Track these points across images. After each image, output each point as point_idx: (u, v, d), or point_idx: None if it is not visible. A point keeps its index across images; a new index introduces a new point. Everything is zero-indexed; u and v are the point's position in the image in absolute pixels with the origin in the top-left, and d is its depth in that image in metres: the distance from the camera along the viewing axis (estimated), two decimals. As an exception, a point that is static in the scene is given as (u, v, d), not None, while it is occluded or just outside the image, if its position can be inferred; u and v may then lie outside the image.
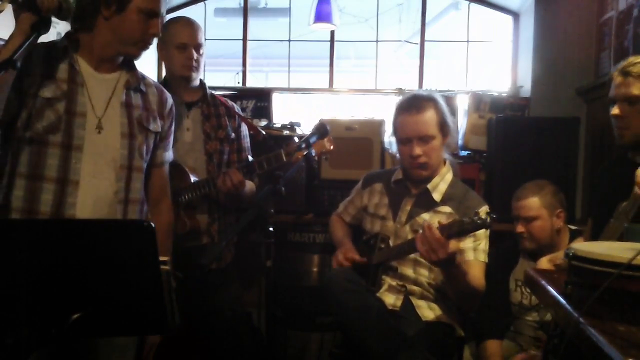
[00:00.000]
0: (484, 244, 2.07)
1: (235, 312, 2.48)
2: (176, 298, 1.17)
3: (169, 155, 1.90)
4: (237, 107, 2.55)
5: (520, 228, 2.29)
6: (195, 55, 2.32)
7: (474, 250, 2.05)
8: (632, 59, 1.81)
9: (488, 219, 1.75)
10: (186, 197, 2.22)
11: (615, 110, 1.81)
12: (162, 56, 2.42)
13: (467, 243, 2.03)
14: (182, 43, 2.31)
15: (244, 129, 2.50)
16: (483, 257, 2.07)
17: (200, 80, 2.44)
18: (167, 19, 2.42)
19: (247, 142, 2.50)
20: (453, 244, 1.83)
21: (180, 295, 1.71)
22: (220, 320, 2.40)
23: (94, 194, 1.63)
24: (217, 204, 2.35)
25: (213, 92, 2.50)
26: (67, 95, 1.62)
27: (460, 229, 1.80)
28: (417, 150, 2.09)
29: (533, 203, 2.28)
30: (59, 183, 1.60)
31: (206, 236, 2.32)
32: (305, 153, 2.07)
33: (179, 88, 2.35)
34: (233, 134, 2.43)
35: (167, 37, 2.35)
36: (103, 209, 1.64)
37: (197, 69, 2.35)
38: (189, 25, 2.37)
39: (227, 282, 2.43)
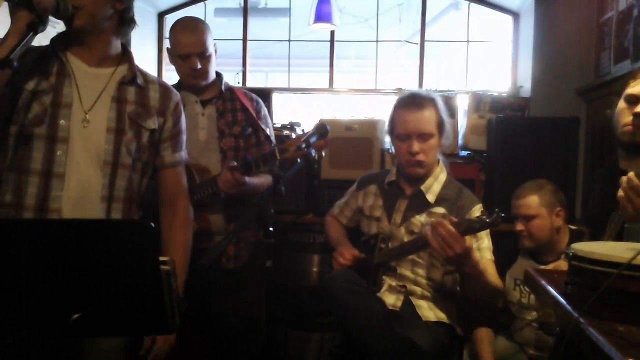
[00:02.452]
0: (487, 242, 2.07)
1: (244, 318, 2.36)
2: (177, 298, 1.17)
3: (181, 155, 1.82)
4: (257, 102, 2.42)
5: (519, 226, 2.29)
6: (198, 63, 2.22)
7: (479, 250, 2.05)
8: None
9: (496, 217, 1.76)
10: (196, 197, 2.15)
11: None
12: (170, 60, 2.34)
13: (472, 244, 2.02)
14: (183, 54, 2.22)
15: (265, 119, 2.38)
16: (489, 255, 2.07)
17: (217, 73, 2.36)
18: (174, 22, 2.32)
19: (264, 134, 2.33)
20: (468, 239, 1.83)
21: (188, 294, 1.69)
22: (228, 323, 2.33)
23: (78, 188, 1.60)
24: (232, 202, 2.24)
25: (231, 86, 2.42)
26: (54, 88, 1.61)
27: (467, 227, 1.80)
28: (416, 147, 2.08)
29: (532, 201, 2.28)
30: (43, 176, 1.58)
31: (221, 237, 2.21)
32: (305, 153, 2.06)
33: (192, 88, 2.31)
34: (250, 129, 2.34)
35: (171, 44, 2.28)
36: (86, 204, 1.61)
37: (203, 75, 2.26)
38: (189, 32, 2.23)
39: (241, 285, 2.33)
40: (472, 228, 1.82)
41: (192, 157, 2.17)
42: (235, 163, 2.11)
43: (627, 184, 1.40)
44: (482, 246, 2.06)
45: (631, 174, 1.41)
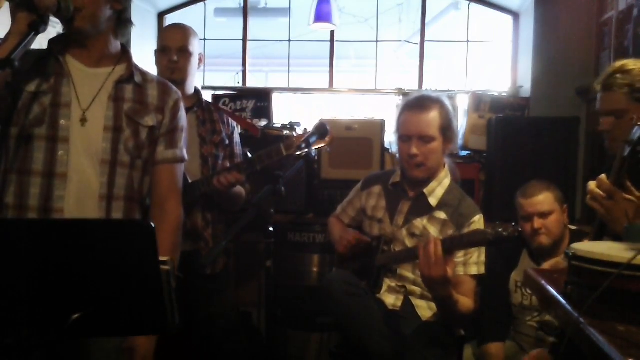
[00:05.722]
0: (475, 257, 2.05)
1: (230, 317, 2.46)
2: (176, 299, 1.17)
3: (175, 152, 1.77)
4: (228, 118, 2.54)
5: (537, 223, 2.24)
6: (175, 57, 2.28)
7: (464, 265, 2.04)
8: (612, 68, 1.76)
9: (514, 232, 1.75)
10: (188, 197, 2.16)
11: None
12: (155, 62, 2.41)
13: (457, 257, 2.00)
14: (162, 45, 2.32)
15: (237, 136, 2.51)
16: (475, 270, 2.05)
17: (195, 87, 2.45)
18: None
19: (239, 149, 2.51)
20: (450, 270, 1.83)
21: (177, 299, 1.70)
22: (216, 325, 2.39)
23: (79, 188, 1.61)
24: (210, 207, 2.33)
25: (208, 100, 2.53)
26: (53, 88, 1.62)
27: (482, 238, 1.80)
28: (414, 149, 2.08)
29: (548, 198, 2.26)
30: (45, 176, 1.59)
31: (202, 241, 2.31)
32: (305, 153, 2.06)
33: None
34: (227, 140, 2.44)
35: (157, 42, 2.40)
36: (87, 203, 1.61)
37: (180, 71, 2.29)
38: (173, 28, 2.39)
39: (222, 287, 2.41)
40: (487, 240, 1.80)
41: None
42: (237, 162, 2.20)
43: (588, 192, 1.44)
44: (470, 261, 2.05)
45: (602, 176, 1.42)
